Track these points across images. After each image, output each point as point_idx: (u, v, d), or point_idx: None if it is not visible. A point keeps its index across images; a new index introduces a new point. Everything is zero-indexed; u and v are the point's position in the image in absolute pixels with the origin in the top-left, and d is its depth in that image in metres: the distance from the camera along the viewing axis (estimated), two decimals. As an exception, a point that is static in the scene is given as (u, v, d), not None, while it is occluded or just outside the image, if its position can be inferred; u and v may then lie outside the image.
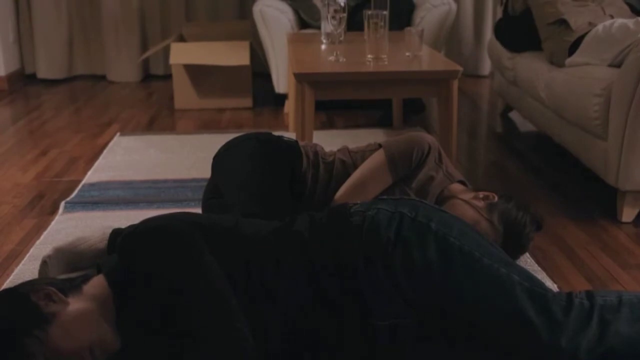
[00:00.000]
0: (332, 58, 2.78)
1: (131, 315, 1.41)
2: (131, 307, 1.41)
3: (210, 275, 1.39)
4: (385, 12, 2.72)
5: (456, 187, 2.13)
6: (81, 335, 1.35)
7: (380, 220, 1.51)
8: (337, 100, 3.77)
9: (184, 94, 4.29)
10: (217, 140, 2.47)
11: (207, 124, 3.96)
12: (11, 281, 2.07)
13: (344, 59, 2.77)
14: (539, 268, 2.15)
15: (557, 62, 3.02)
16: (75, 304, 1.39)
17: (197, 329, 1.34)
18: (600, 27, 2.82)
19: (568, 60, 2.92)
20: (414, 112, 4.00)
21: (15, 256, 2.27)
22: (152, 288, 1.38)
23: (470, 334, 1.49)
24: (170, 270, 1.38)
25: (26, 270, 2.12)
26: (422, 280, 1.45)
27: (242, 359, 1.33)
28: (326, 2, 3.00)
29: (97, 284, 1.44)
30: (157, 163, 3.21)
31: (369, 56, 2.72)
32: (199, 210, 2.28)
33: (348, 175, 2.13)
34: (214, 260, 1.42)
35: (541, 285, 1.48)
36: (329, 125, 3.93)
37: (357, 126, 3.87)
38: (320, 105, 3.11)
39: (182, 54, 4.24)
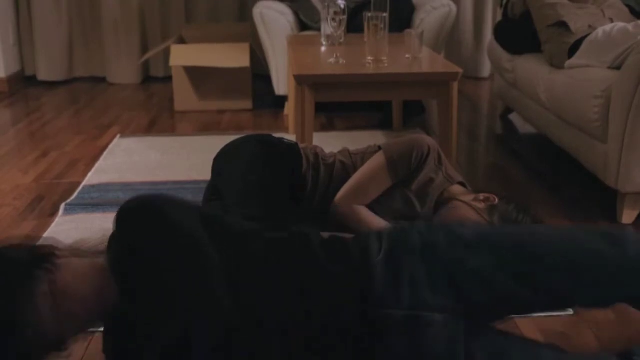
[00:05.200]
0: (332, 60, 2.78)
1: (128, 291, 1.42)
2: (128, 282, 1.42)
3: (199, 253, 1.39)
4: (385, 14, 2.73)
5: (456, 188, 2.13)
6: (89, 276, 1.39)
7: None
8: (337, 102, 3.77)
9: (184, 95, 4.29)
10: (217, 142, 2.47)
11: (207, 126, 3.96)
12: (11, 283, 2.07)
13: (344, 61, 2.77)
14: (539, 270, 2.15)
15: (557, 64, 3.03)
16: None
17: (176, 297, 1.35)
18: (600, 30, 2.82)
19: (568, 63, 2.93)
20: (414, 114, 4.00)
21: (15, 258, 2.26)
22: (145, 262, 1.39)
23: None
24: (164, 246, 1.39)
25: (26, 272, 2.12)
26: None
27: (215, 313, 1.34)
28: (326, 4, 3.00)
29: None
30: (157, 165, 3.21)
31: (369, 58, 2.72)
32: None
33: (348, 177, 2.13)
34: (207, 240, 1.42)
35: None
36: (329, 127, 3.93)
37: (357, 128, 3.87)
38: (320, 107, 3.11)
39: (182, 55, 4.25)
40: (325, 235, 1.57)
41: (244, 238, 1.51)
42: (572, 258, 1.40)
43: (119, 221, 1.46)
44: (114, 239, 1.51)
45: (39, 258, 1.39)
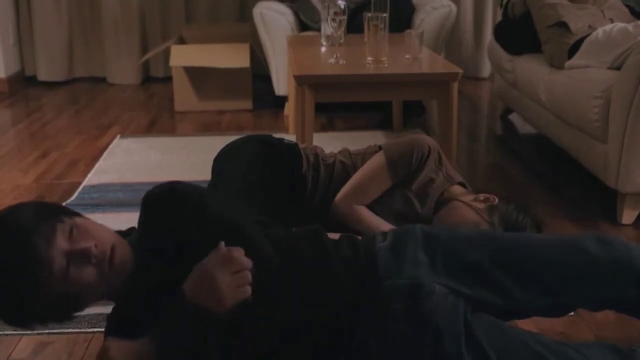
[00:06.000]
0: (332, 60, 2.78)
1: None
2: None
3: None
4: (385, 15, 2.72)
5: (456, 189, 2.13)
6: (108, 231, 1.46)
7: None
8: (337, 103, 3.77)
9: (184, 96, 4.29)
10: (217, 143, 2.47)
11: (207, 126, 3.96)
12: (11, 283, 2.07)
13: (344, 62, 2.77)
14: (539, 270, 2.15)
15: (557, 64, 3.03)
16: None
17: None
18: (600, 31, 2.82)
19: (568, 63, 2.93)
20: (414, 114, 4.00)
21: (15, 258, 2.26)
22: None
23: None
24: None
25: (26, 272, 2.12)
26: None
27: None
28: (326, 4, 3.00)
29: None
30: (158, 165, 3.21)
31: (369, 58, 2.72)
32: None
33: (348, 177, 2.13)
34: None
35: None
36: (329, 127, 3.93)
37: (357, 128, 3.87)
38: (320, 108, 3.11)
39: (182, 56, 4.25)
40: (335, 236, 1.62)
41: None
42: (564, 260, 1.48)
43: (148, 203, 1.53)
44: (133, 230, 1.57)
45: (67, 210, 1.46)
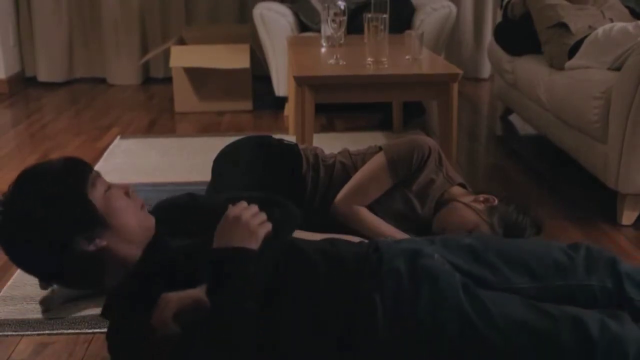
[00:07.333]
0: (332, 61, 2.78)
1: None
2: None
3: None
4: (385, 15, 2.73)
5: (456, 190, 2.14)
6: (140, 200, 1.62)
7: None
8: (337, 103, 3.77)
9: (184, 96, 4.29)
10: (217, 143, 2.47)
11: (207, 127, 3.97)
12: (11, 285, 2.07)
13: (344, 62, 2.77)
14: (539, 271, 2.15)
15: (557, 65, 3.03)
16: None
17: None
18: (600, 30, 2.82)
19: (568, 64, 2.93)
20: (414, 115, 4.00)
21: (15, 259, 2.26)
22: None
23: None
24: None
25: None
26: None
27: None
28: (326, 5, 3.01)
29: None
30: (158, 166, 3.21)
31: (369, 59, 2.72)
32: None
33: (348, 177, 2.13)
34: None
35: None
36: (329, 128, 3.93)
37: (357, 129, 3.87)
38: (320, 108, 3.11)
39: (183, 56, 4.25)
40: (337, 237, 1.74)
41: None
42: (547, 254, 1.60)
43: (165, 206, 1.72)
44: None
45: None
